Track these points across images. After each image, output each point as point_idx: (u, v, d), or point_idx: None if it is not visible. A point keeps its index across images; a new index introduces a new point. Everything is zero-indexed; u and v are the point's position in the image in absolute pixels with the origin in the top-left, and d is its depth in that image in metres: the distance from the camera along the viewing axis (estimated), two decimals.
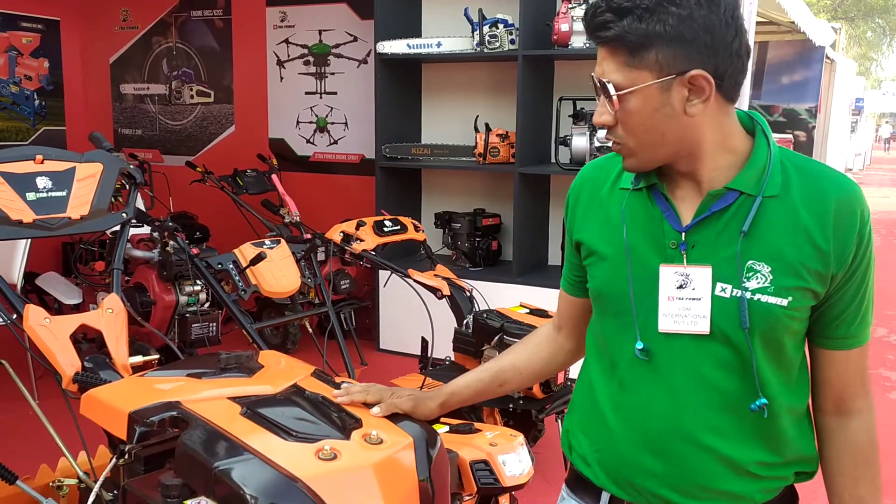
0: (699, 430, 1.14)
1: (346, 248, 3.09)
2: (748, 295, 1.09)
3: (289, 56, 5.38)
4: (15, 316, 1.74)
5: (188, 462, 1.17)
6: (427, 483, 1.25)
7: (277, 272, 2.53)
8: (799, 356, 1.17)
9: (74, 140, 6.03)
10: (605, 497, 1.24)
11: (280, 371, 1.45)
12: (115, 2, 5.99)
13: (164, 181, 5.34)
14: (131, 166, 2.05)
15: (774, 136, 1.18)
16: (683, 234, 1.13)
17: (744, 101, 4.29)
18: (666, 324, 1.15)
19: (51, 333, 1.72)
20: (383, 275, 4.38)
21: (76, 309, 4.41)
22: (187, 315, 3.57)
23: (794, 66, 9.34)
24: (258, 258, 2.46)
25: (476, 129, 4.42)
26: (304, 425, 1.24)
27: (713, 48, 1.05)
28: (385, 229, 3.34)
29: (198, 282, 3.73)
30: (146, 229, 3.96)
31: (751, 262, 1.10)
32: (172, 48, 5.87)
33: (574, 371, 1.50)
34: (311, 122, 5.40)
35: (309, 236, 3.04)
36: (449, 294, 3.15)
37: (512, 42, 4.20)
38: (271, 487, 1.09)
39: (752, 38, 4.31)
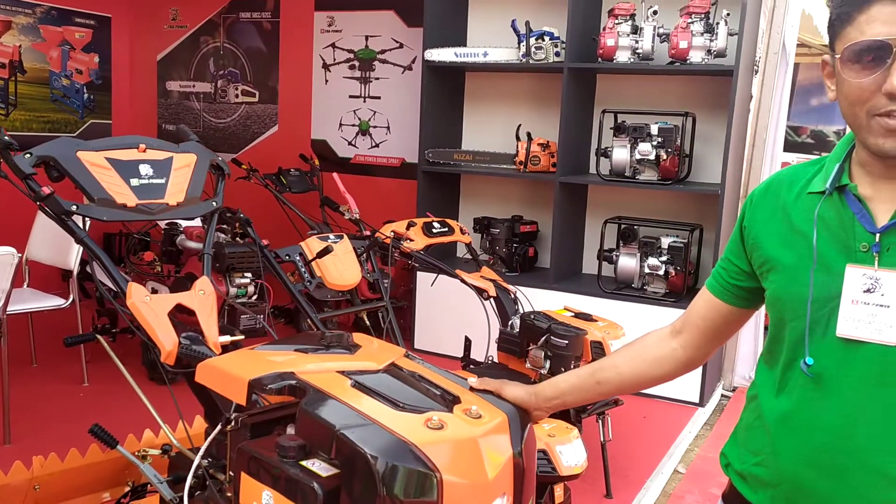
0: (872, 449, 1.07)
1: (398, 246, 3.20)
2: None
3: (335, 60, 5.53)
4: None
5: (310, 425, 1.28)
6: (520, 458, 1.35)
7: (341, 266, 2.65)
8: None
9: (120, 133, 6.21)
10: None
11: (377, 351, 1.57)
12: (166, 1, 6.17)
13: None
14: (220, 158, 2.18)
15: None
16: (878, 235, 1.07)
17: (782, 121, 4.39)
18: (846, 328, 1.08)
19: (151, 310, 1.84)
20: (424, 276, 4.50)
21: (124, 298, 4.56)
22: (236, 306, 3.69)
23: (824, 88, 9.42)
24: (325, 251, 2.58)
25: (517, 138, 4.54)
26: (410, 398, 1.35)
27: None
28: (433, 230, 3.45)
29: (246, 274, 3.86)
30: (197, 221, 4.12)
31: None
32: (220, 48, 6.03)
33: None
34: (353, 125, 5.54)
35: (368, 233, 3.16)
36: (495, 295, 3.26)
37: (557, 54, 4.32)
38: (389, 448, 1.21)
39: (791, 60, 4.42)
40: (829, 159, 1.19)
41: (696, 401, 4.07)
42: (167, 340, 1.80)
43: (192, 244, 3.83)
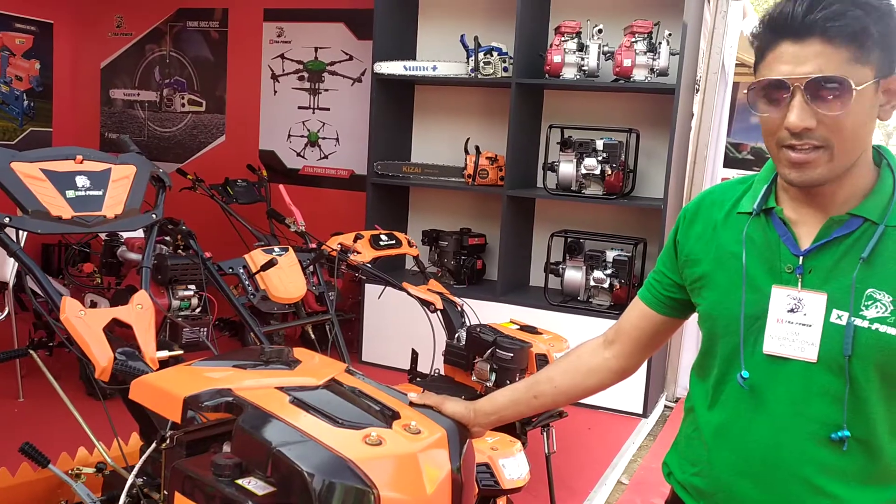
0: (800, 461, 1.12)
1: (345, 259, 3.19)
2: (865, 324, 1.07)
3: (283, 71, 5.50)
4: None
5: (246, 442, 1.27)
6: (458, 473, 1.36)
7: (286, 279, 2.62)
8: None
9: (60, 142, 6.05)
10: None
11: (317, 366, 1.56)
12: (110, 8, 6.06)
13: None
14: (161, 170, 2.15)
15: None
16: (801, 258, 1.12)
17: (722, 138, 4.52)
18: (771, 346, 1.14)
19: (86, 325, 1.80)
20: (372, 288, 4.49)
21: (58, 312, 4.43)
22: (179, 319, 3.63)
23: None
24: (269, 264, 2.56)
25: (466, 151, 4.57)
26: (349, 414, 1.35)
27: None
28: (381, 243, 3.45)
29: (190, 287, 3.80)
30: (140, 232, 4.03)
31: (870, 290, 1.07)
32: (166, 56, 5.94)
33: None
34: (302, 136, 5.51)
35: (314, 245, 3.13)
36: (442, 308, 3.27)
37: (505, 69, 4.38)
38: (326, 466, 1.20)
39: (730, 79, 4.56)
40: (757, 179, 1.23)
41: (640, 412, 4.14)
42: (101, 356, 1.76)
43: (134, 255, 3.75)
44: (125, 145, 2.24)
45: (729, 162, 6.30)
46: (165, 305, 3.67)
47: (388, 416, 1.37)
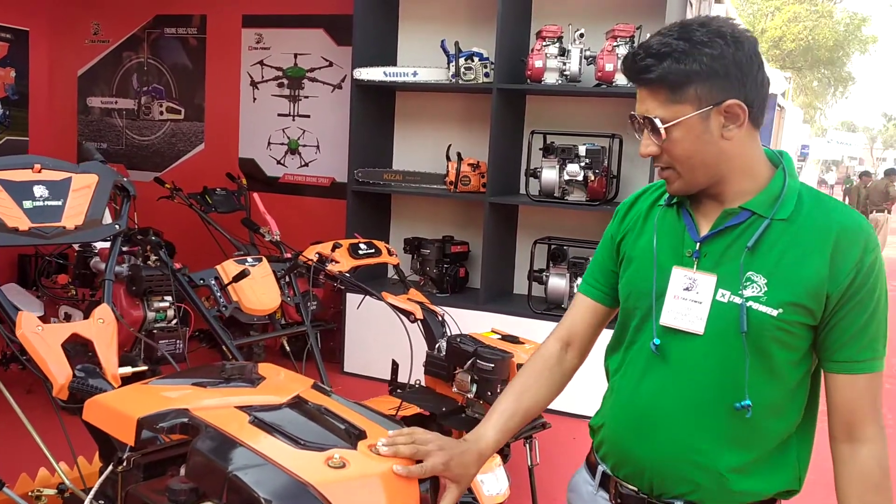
0: (683, 424, 1.27)
1: (322, 269, 3.12)
2: (744, 302, 1.22)
3: (263, 78, 5.43)
4: None
5: (201, 466, 1.20)
6: (428, 494, 1.30)
7: (259, 290, 2.55)
8: (794, 375, 1.26)
9: (37, 151, 5.94)
10: (600, 470, 1.41)
11: (281, 382, 1.49)
12: (87, 15, 5.97)
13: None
14: (125, 179, 2.07)
15: None
16: (698, 244, 1.29)
17: None
18: (667, 318, 1.29)
19: (43, 341, 1.72)
20: (354, 298, 4.42)
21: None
22: (154, 331, 3.54)
23: None
24: (241, 275, 2.49)
25: (448, 158, 4.52)
26: (312, 434, 1.28)
27: (742, 80, 1.20)
28: (360, 252, 3.39)
29: (166, 298, 3.71)
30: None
31: (750, 273, 1.23)
32: (144, 64, 5.85)
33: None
34: (282, 144, 5.44)
35: (289, 255, 3.06)
36: (422, 318, 3.21)
37: (486, 75, 4.33)
38: (284, 491, 1.13)
39: None
40: None
41: None
42: (59, 373, 1.69)
43: None
44: (89, 153, 2.17)
45: None
46: (140, 317, 3.58)
47: (353, 436, 1.30)
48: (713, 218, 1.29)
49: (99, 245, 3.93)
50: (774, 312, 1.21)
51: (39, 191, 1.86)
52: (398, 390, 3.26)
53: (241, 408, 1.34)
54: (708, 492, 1.28)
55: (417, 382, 3.25)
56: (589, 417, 1.50)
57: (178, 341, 3.63)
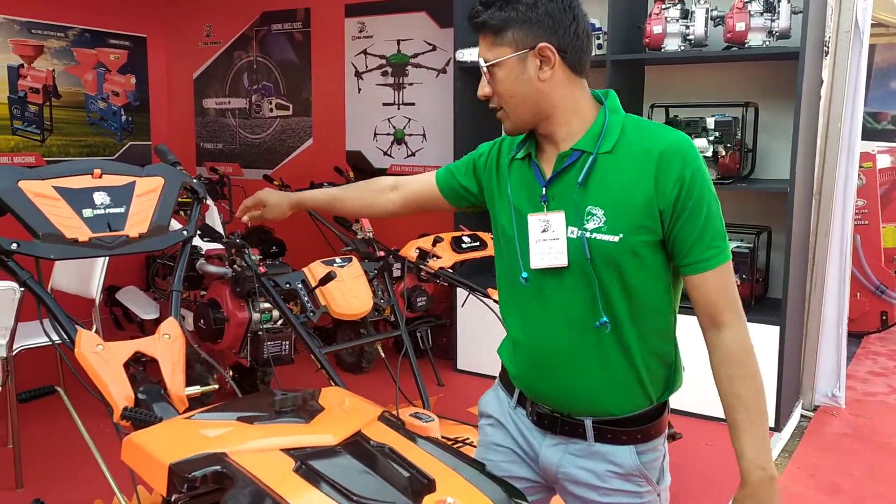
0: (561, 345, 1.41)
1: (422, 265, 2.90)
2: (587, 234, 1.35)
3: (367, 67, 5.28)
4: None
5: None
6: None
7: (348, 292, 2.36)
8: (648, 285, 1.37)
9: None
10: (516, 392, 1.53)
11: (343, 415, 1.26)
12: (199, 17, 6.05)
13: (242, 194, 5.31)
14: (195, 180, 1.92)
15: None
16: (544, 188, 1.42)
17: (858, 107, 3.91)
18: (536, 262, 1.42)
19: (103, 361, 1.58)
20: (462, 293, 4.19)
21: (155, 324, 4.39)
22: (260, 333, 3.47)
23: None
24: (327, 278, 2.30)
25: None
26: (367, 487, 1.05)
27: (554, 28, 1.34)
28: (463, 245, 3.14)
29: None
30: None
31: (589, 207, 1.36)
32: (253, 62, 5.87)
33: None
34: (388, 134, 5.28)
35: (382, 253, 2.86)
36: None
37: (598, 47, 3.96)
38: None
39: (866, 41, 3.93)
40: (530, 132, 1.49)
41: (772, 425, 3.63)
42: (120, 397, 1.54)
43: (213, 269, 3.61)
44: (162, 155, 2.04)
45: (867, 134, 5.51)
46: (246, 319, 3.51)
47: (418, 490, 1.05)
48: (552, 162, 1.41)
49: (205, 246, 3.91)
50: (616, 238, 1.33)
51: (100, 198, 1.73)
52: None
53: (287, 451, 1.13)
54: (609, 409, 1.41)
55: None
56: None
57: (284, 342, 3.53)
